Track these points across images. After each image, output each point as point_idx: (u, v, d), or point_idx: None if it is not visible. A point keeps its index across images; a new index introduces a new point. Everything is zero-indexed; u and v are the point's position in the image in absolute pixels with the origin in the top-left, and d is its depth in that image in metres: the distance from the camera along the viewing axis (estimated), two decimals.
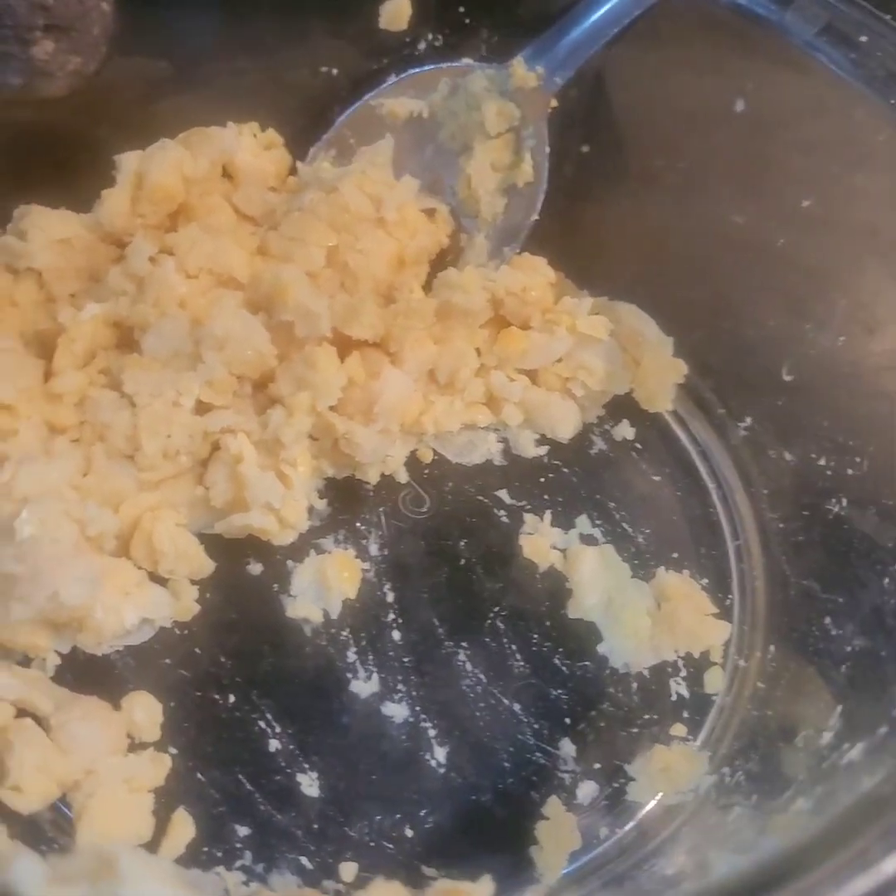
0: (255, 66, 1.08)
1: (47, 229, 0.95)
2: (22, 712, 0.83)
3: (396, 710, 0.91)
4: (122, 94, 1.05)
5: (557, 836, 0.85)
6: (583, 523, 1.02)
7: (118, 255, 0.98)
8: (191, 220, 0.99)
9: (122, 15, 0.98)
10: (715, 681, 0.95)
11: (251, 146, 1.07)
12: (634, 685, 0.95)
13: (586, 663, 0.95)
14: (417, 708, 0.91)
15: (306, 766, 0.87)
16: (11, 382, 0.87)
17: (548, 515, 1.02)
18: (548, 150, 1.03)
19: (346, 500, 1.01)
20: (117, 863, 0.53)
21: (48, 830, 0.81)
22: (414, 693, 0.91)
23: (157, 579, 0.92)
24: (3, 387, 0.86)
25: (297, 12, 1.04)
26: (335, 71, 1.08)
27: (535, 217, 1.05)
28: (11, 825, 0.77)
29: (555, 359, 1.06)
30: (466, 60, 1.05)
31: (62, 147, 1.03)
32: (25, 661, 0.87)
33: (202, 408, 0.94)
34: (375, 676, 0.92)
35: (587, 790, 0.89)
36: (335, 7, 1.04)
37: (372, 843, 0.85)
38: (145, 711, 0.86)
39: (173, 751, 0.86)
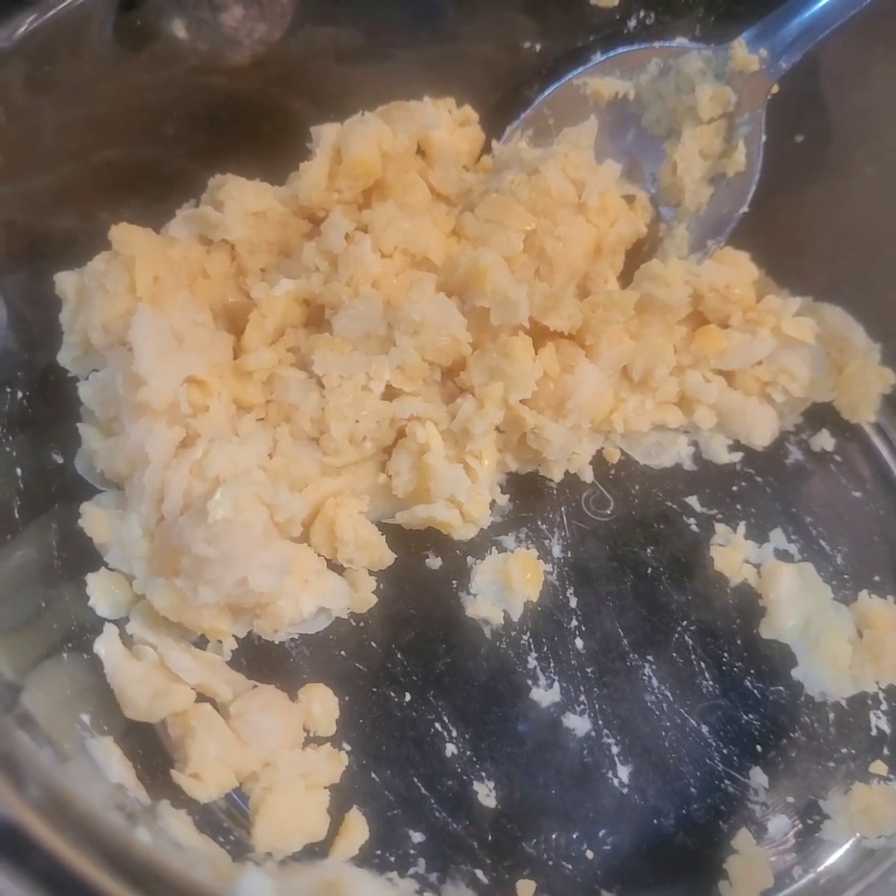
0: (450, 38, 1.04)
1: (243, 201, 0.92)
2: (201, 697, 0.80)
3: (578, 723, 0.86)
4: (315, 64, 1.03)
5: (749, 872, 0.80)
6: (777, 537, 0.97)
7: (311, 231, 0.95)
8: (387, 198, 0.95)
9: None
10: None
11: (447, 122, 1.02)
12: (831, 715, 0.89)
13: (780, 688, 0.89)
14: (600, 722, 0.86)
15: (483, 774, 0.84)
16: (205, 358, 0.85)
17: (741, 527, 0.96)
18: (764, 138, 0.97)
19: (528, 497, 0.97)
20: (346, 883, 0.49)
21: (224, 820, 0.79)
22: (596, 706, 0.87)
23: (335, 568, 0.89)
24: (197, 361, 0.83)
25: None
26: (537, 46, 1.04)
27: (745, 209, 0.99)
28: (190, 813, 0.75)
29: (755, 361, 1.00)
30: (680, 40, 1.00)
31: (255, 116, 1.01)
32: (201, 643, 0.85)
33: (390, 393, 0.91)
34: (556, 685, 0.88)
35: (779, 825, 0.84)
36: None
37: (550, 862, 0.81)
38: (322, 704, 0.83)
39: (347, 747, 0.83)
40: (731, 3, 0.99)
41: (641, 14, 1.01)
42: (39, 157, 0.88)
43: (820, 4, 0.92)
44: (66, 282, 0.87)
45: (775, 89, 0.96)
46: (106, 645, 0.80)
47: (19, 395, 0.86)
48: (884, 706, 0.89)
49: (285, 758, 0.79)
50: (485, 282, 0.89)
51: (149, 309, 0.82)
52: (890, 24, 0.94)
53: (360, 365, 0.89)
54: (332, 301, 0.90)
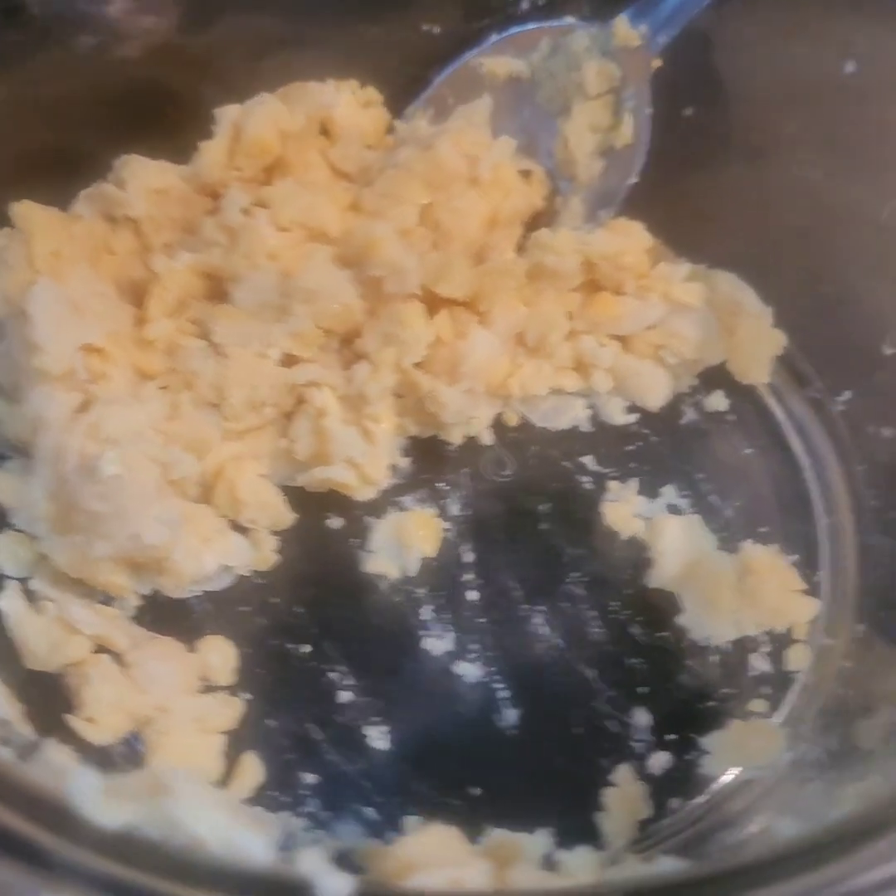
0: (358, 24, 1.08)
1: (145, 179, 0.96)
2: (100, 649, 0.84)
3: (469, 670, 0.90)
4: (230, 51, 1.06)
5: (626, 803, 0.84)
6: (669, 493, 1.00)
7: (213, 207, 0.99)
8: (286, 175, 0.99)
9: None
10: (798, 658, 0.93)
11: (350, 103, 1.06)
12: (714, 658, 0.92)
13: (665, 634, 0.93)
14: (491, 668, 0.90)
15: (375, 718, 0.87)
16: (102, 326, 0.88)
17: (633, 483, 1.00)
18: (649, 111, 1.01)
19: (428, 459, 1.01)
20: (174, 784, 0.53)
21: (119, 763, 0.83)
22: (488, 654, 0.91)
23: (238, 528, 0.93)
24: (94, 330, 0.87)
25: None
26: (436, 29, 1.07)
27: (634, 180, 1.03)
28: (84, 756, 0.79)
29: (647, 325, 1.04)
30: (568, 19, 1.04)
31: (167, 100, 1.05)
32: (107, 601, 0.88)
33: (289, 360, 0.95)
34: (450, 635, 0.91)
35: (659, 761, 0.87)
36: None
37: (437, 799, 0.84)
38: (220, 655, 0.87)
39: (246, 696, 0.87)
40: None
41: None
42: None
43: None
44: None
45: (658, 63, 1.00)
46: (8, 600, 0.84)
47: None
48: (765, 648, 0.93)
49: (180, 703, 0.83)
50: (377, 252, 0.92)
51: (47, 280, 0.86)
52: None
53: (258, 333, 0.93)
54: (230, 273, 0.94)
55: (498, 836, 0.73)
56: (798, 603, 0.93)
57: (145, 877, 0.49)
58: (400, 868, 0.59)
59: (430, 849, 0.62)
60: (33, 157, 0.97)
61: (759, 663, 0.92)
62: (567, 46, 1.03)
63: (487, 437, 1.02)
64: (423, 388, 0.95)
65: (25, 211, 0.89)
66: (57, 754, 0.72)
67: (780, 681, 0.92)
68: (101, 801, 0.49)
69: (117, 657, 0.85)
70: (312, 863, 0.52)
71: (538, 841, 0.72)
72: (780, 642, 0.93)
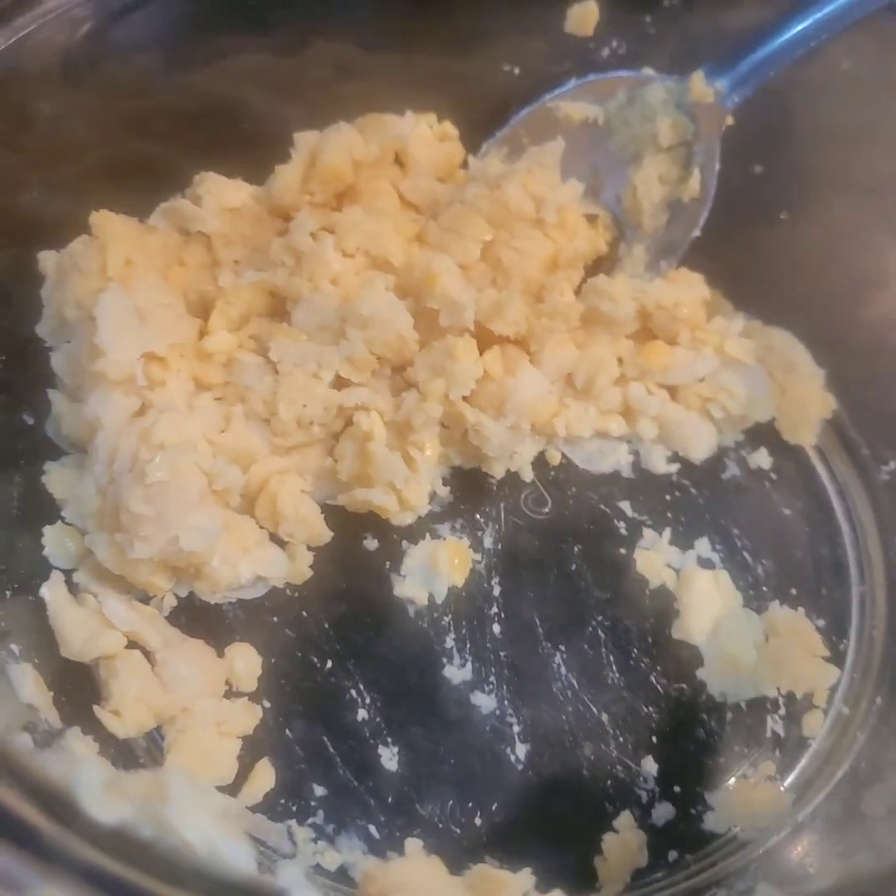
0: (441, 58, 1.11)
1: (221, 197, 1.00)
2: (132, 644, 0.88)
3: (484, 701, 0.92)
4: (315, 76, 1.10)
5: (624, 850, 0.85)
6: (702, 546, 1.01)
7: (283, 229, 1.02)
8: (356, 202, 1.03)
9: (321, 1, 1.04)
10: (814, 724, 0.93)
11: (426, 136, 1.09)
12: (729, 716, 0.93)
13: (683, 686, 0.94)
14: (505, 702, 0.92)
15: (389, 739, 0.90)
16: (166, 337, 0.92)
17: (667, 533, 1.01)
18: (718, 167, 1.02)
19: (469, 490, 1.03)
20: (169, 787, 0.56)
21: (141, 756, 0.87)
22: (504, 687, 0.93)
23: (277, 541, 0.96)
24: (157, 339, 0.91)
25: (486, 9, 1.06)
26: (517, 70, 1.10)
27: (697, 233, 1.04)
28: (107, 746, 0.83)
29: (697, 377, 1.05)
30: (647, 70, 1.06)
31: (250, 121, 1.09)
32: (144, 599, 0.92)
33: (341, 383, 0.97)
34: (469, 665, 0.93)
35: (663, 811, 0.88)
36: (523, 7, 1.05)
37: (440, 825, 0.86)
38: (246, 662, 0.90)
39: (266, 704, 0.90)
40: (698, 37, 1.05)
41: (614, 44, 1.07)
42: (38, 151, 0.97)
43: (772, 43, 0.97)
44: (47, 260, 0.95)
45: (730, 121, 1.01)
46: (51, 589, 0.87)
47: None
48: (782, 711, 0.93)
49: (202, 705, 0.86)
50: (436, 285, 0.95)
51: (118, 287, 0.91)
52: (844, 63, 0.99)
53: (313, 354, 0.96)
54: (293, 294, 0.97)
55: (481, 870, 0.75)
56: (820, 669, 0.93)
57: (133, 873, 0.52)
58: (381, 891, 0.61)
59: (413, 877, 0.64)
60: (117, 167, 1.02)
61: (774, 725, 0.93)
62: (643, 97, 1.05)
63: (528, 474, 1.04)
64: (469, 421, 0.97)
65: (103, 220, 0.94)
66: (77, 743, 0.76)
67: (792, 745, 0.93)
68: (101, 796, 0.53)
69: (148, 655, 0.88)
70: (290, 878, 0.54)
71: (520, 879, 0.73)
72: (798, 706, 0.94)
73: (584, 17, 1.05)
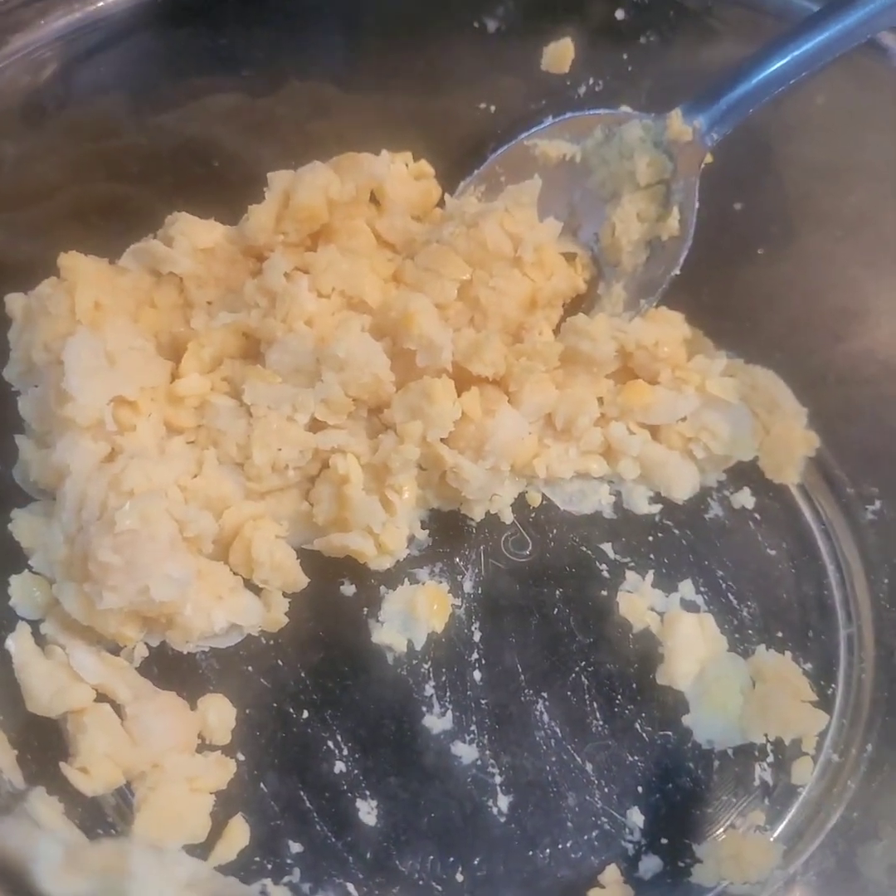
0: (417, 96, 1.10)
1: (193, 237, 0.98)
2: (101, 697, 0.85)
3: (465, 751, 0.89)
4: (288, 114, 1.09)
5: None
6: (686, 588, 0.99)
7: (257, 269, 1.00)
8: (331, 242, 1.01)
9: (296, 36, 1.03)
10: (803, 772, 0.91)
11: (402, 175, 1.08)
12: (716, 763, 0.91)
13: (669, 733, 0.92)
14: (487, 752, 0.90)
15: (368, 792, 0.87)
16: (137, 380, 0.90)
17: (650, 575, 0.99)
18: (696, 205, 1.01)
19: (448, 533, 1.01)
20: (130, 860, 0.53)
21: (109, 815, 0.84)
22: (486, 737, 0.90)
23: (251, 587, 0.94)
24: (127, 383, 0.89)
25: (461, 47, 1.05)
26: (493, 108, 1.09)
27: (677, 272, 1.03)
28: (74, 805, 0.80)
29: (679, 417, 1.03)
30: (625, 108, 1.05)
31: (222, 160, 1.08)
32: (115, 649, 0.90)
33: (316, 425, 0.96)
34: (450, 714, 0.91)
35: (650, 864, 0.86)
36: (499, 45, 1.04)
37: (421, 882, 0.84)
38: (219, 715, 0.88)
39: (240, 757, 0.88)
40: (676, 75, 1.04)
41: (591, 81, 1.06)
42: (4, 193, 0.95)
43: (751, 82, 0.96)
44: (15, 302, 0.93)
45: (709, 159, 1.00)
46: (17, 641, 0.85)
47: None
48: (770, 758, 0.91)
49: (173, 760, 0.83)
50: (412, 325, 0.93)
51: (86, 331, 0.89)
52: (819, 97, 0.99)
53: (288, 396, 0.94)
54: (267, 335, 0.95)
55: None
56: (808, 714, 0.91)
57: None
58: None
59: None
60: (87, 208, 1.01)
61: (763, 773, 0.91)
62: (621, 135, 1.03)
63: (508, 516, 1.02)
64: (448, 463, 0.95)
65: (71, 262, 0.92)
66: (40, 806, 0.73)
67: (782, 794, 0.91)
68: (60, 872, 0.50)
69: (118, 708, 0.85)
70: None
71: None
72: (786, 753, 0.92)
73: (560, 55, 1.04)
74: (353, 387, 0.94)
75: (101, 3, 0.94)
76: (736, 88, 0.97)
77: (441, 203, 1.10)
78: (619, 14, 1.01)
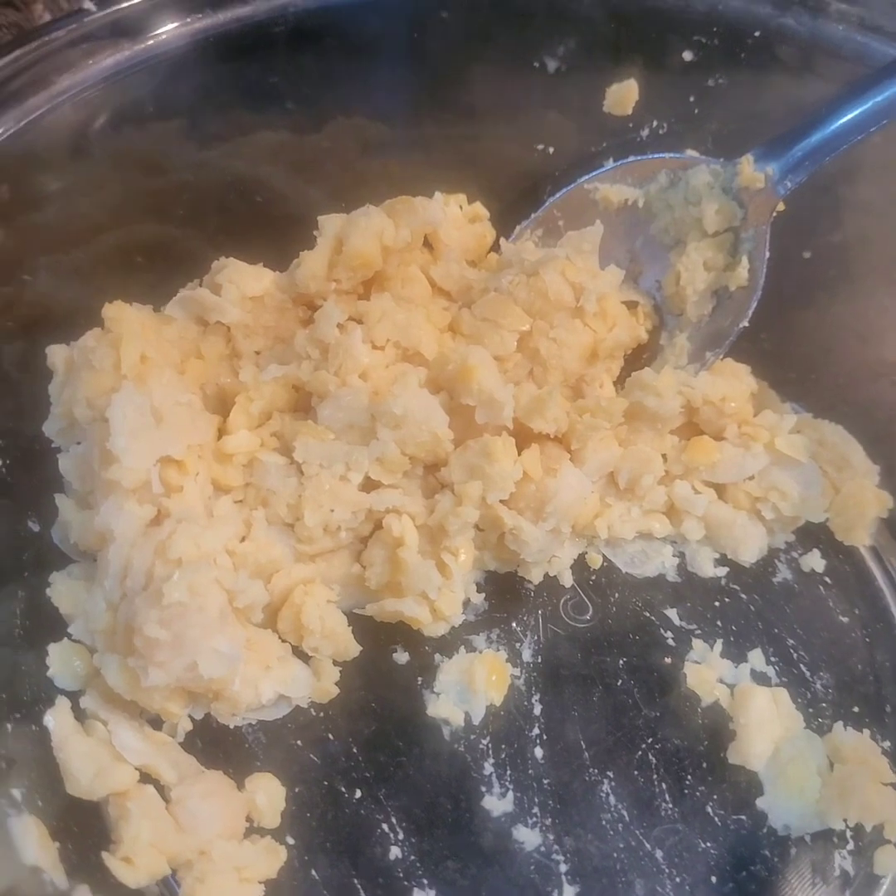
0: (471, 135, 1.06)
1: (241, 285, 0.94)
2: (145, 777, 0.80)
3: (528, 836, 0.84)
4: (335, 154, 1.05)
5: None
6: (756, 658, 0.94)
7: (308, 318, 0.96)
8: (385, 290, 0.97)
9: (346, 72, 0.99)
10: (886, 861, 0.85)
11: (456, 218, 1.04)
12: (793, 851, 0.85)
13: (742, 817, 0.86)
14: (551, 837, 0.84)
15: (424, 880, 0.82)
16: (184, 438, 0.86)
17: (719, 645, 0.94)
18: (767, 255, 0.96)
19: (504, 597, 0.96)
20: None
21: None
22: (549, 819, 0.85)
23: (300, 655, 0.89)
24: (174, 441, 0.84)
25: (517, 85, 1.01)
26: (551, 149, 1.05)
27: (745, 324, 0.98)
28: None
29: (747, 475, 0.98)
30: (690, 152, 1.00)
31: (271, 201, 1.04)
32: (157, 722, 0.85)
33: (370, 485, 0.91)
34: (511, 794, 0.86)
35: None
36: (559, 85, 1.00)
37: None
38: (268, 796, 0.83)
39: (290, 841, 0.83)
40: (743, 118, 1.00)
41: (655, 124, 1.02)
42: (47, 237, 0.91)
43: (828, 129, 0.91)
44: (56, 354, 0.89)
45: (781, 207, 0.95)
46: (56, 717, 0.80)
47: (1, 462, 0.88)
48: (850, 846, 0.86)
49: (221, 848, 0.78)
50: (472, 380, 0.89)
51: (131, 387, 0.84)
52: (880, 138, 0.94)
53: (341, 455, 0.89)
54: (319, 389, 0.91)
55: None
56: (890, 798, 0.85)
57: None
58: None
59: None
60: (131, 252, 0.97)
61: (842, 862, 0.85)
62: (687, 180, 0.99)
63: (568, 579, 0.97)
64: (507, 525, 0.90)
65: (116, 312, 0.88)
66: None
67: (863, 884, 0.85)
68: None
69: (161, 789, 0.80)
70: None
71: None
72: (867, 840, 0.86)
73: (623, 97, 1.00)
74: (410, 445, 0.89)
75: (150, 42, 0.90)
76: (812, 135, 0.92)
77: (496, 247, 1.06)
78: (687, 56, 0.97)
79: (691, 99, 0.99)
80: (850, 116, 0.90)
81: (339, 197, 1.02)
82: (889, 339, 1.05)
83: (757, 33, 0.95)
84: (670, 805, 0.86)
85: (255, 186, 1.04)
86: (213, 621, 0.79)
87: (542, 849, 0.84)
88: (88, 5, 0.90)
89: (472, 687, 0.90)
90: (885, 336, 1.05)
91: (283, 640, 0.89)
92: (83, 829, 0.78)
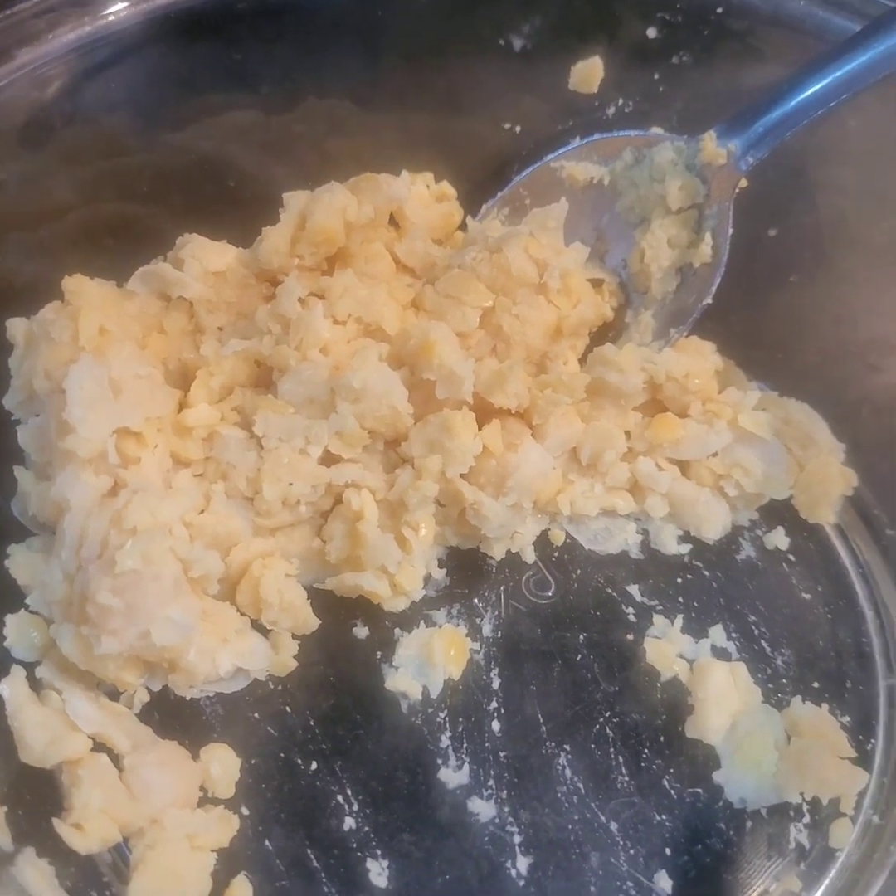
0: (438, 115, 1.06)
1: (204, 260, 0.94)
2: (98, 746, 0.81)
3: (483, 808, 0.84)
4: (304, 132, 1.05)
5: None
6: (717, 634, 0.94)
7: (271, 294, 0.96)
8: (348, 266, 0.97)
9: (312, 51, 0.99)
10: (842, 834, 0.85)
11: (422, 196, 1.04)
12: (749, 824, 0.85)
13: (698, 791, 0.86)
14: (505, 809, 0.84)
15: (379, 851, 0.82)
16: (142, 410, 0.86)
17: (679, 620, 0.94)
18: (731, 231, 0.96)
19: (466, 573, 0.96)
20: None
21: (105, 874, 0.79)
22: (504, 792, 0.85)
23: (259, 629, 0.89)
24: (132, 413, 0.85)
25: (484, 65, 1.01)
26: (518, 128, 1.05)
27: (709, 301, 0.98)
28: (67, 864, 0.75)
29: (710, 452, 0.98)
30: (656, 130, 1.00)
31: (236, 180, 1.04)
32: (114, 694, 0.85)
33: (330, 459, 0.91)
34: (467, 767, 0.86)
35: None
36: (524, 64, 1.00)
37: None
38: (223, 766, 0.83)
39: (244, 811, 0.83)
40: (708, 96, 1.00)
41: (620, 102, 1.02)
42: (7, 213, 0.92)
43: (789, 104, 0.91)
44: (16, 327, 0.90)
45: (744, 183, 0.95)
46: (11, 686, 0.81)
47: None
48: (806, 819, 0.86)
49: (173, 816, 0.78)
50: (432, 355, 0.89)
51: (89, 358, 0.84)
52: (859, 122, 0.94)
53: (300, 428, 0.89)
54: (280, 364, 0.91)
55: None
56: (847, 772, 0.85)
57: None
58: None
59: None
60: (94, 229, 0.97)
61: (798, 835, 0.85)
62: (652, 157, 0.99)
63: (530, 555, 0.97)
64: (467, 499, 0.90)
65: (76, 285, 0.88)
66: (29, 870, 0.68)
67: (819, 857, 0.85)
68: None
69: (116, 758, 0.81)
70: None
71: None
72: (824, 814, 0.86)
73: (588, 75, 1.00)
74: (370, 419, 0.90)
75: (112, 17, 0.91)
76: (773, 111, 0.93)
77: (463, 226, 1.06)
78: (651, 33, 0.97)
79: (656, 76, 1.00)
80: (811, 91, 0.90)
81: (307, 177, 1.01)
82: (860, 320, 1.04)
83: (719, 10, 0.95)
84: (627, 778, 0.86)
85: (221, 166, 1.04)
86: (167, 590, 0.79)
87: (497, 821, 0.84)
88: None
89: (430, 661, 0.90)
90: (856, 316, 1.04)
91: (242, 614, 0.89)
92: (35, 797, 0.78)
